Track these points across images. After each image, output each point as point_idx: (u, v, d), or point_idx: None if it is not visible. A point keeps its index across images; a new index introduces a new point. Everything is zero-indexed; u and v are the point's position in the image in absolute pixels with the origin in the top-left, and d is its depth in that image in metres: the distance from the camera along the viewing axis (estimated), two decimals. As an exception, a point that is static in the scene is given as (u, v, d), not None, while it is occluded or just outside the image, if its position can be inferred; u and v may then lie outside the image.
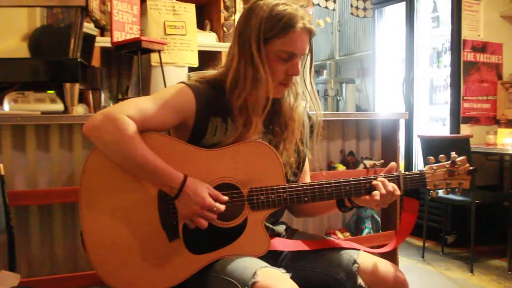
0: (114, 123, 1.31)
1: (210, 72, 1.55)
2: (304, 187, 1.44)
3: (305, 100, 1.58)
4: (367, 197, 1.45)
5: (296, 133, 1.54)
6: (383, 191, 1.42)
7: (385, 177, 1.46)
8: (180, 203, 1.35)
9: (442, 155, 1.51)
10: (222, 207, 1.36)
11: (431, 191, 1.51)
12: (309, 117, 1.66)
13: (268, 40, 1.41)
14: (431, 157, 1.52)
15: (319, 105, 1.58)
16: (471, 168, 1.51)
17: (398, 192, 1.44)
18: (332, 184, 1.45)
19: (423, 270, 3.64)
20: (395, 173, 1.48)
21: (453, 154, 1.51)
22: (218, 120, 1.46)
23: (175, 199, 1.35)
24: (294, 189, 1.43)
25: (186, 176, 1.35)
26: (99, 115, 1.35)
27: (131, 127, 1.32)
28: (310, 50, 1.51)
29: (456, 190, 1.51)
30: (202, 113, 1.43)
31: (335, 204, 1.57)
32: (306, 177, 1.71)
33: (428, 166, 1.51)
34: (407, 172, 1.49)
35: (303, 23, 1.42)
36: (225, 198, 1.38)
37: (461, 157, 1.51)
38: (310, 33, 1.46)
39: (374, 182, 1.44)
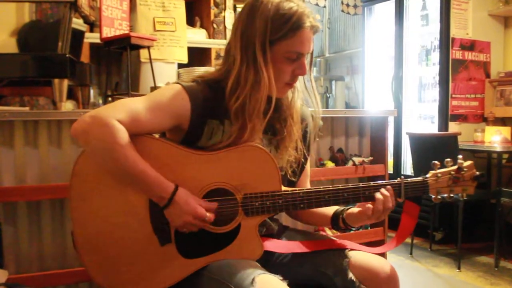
0: (103, 129, 1.25)
1: (210, 71, 1.47)
2: (301, 194, 1.39)
3: (305, 97, 1.52)
4: (361, 213, 1.42)
5: (295, 129, 1.48)
6: (380, 207, 1.38)
7: (386, 184, 1.41)
8: (171, 213, 1.31)
9: (449, 159, 1.43)
10: (213, 216, 1.33)
11: (432, 197, 1.43)
12: (312, 117, 1.60)
13: (275, 42, 1.34)
14: (437, 162, 1.42)
15: (318, 101, 1.51)
16: (477, 173, 1.42)
17: (393, 206, 1.40)
18: (330, 191, 1.40)
19: (411, 266, 3.67)
20: (396, 180, 1.42)
21: (459, 159, 1.43)
22: (214, 123, 1.40)
23: (164, 208, 1.31)
24: (290, 195, 1.38)
25: (177, 186, 1.31)
26: (88, 117, 1.27)
27: (122, 134, 1.26)
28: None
29: (459, 195, 1.43)
30: (198, 117, 1.37)
31: (329, 222, 1.53)
32: (306, 181, 1.65)
33: (433, 172, 1.43)
34: (409, 180, 1.43)
35: (310, 22, 1.36)
36: (215, 206, 1.35)
37: (468, 162, 1.43)
38: (316, 30, 1.40)
39: (377, 195, 1.39)
